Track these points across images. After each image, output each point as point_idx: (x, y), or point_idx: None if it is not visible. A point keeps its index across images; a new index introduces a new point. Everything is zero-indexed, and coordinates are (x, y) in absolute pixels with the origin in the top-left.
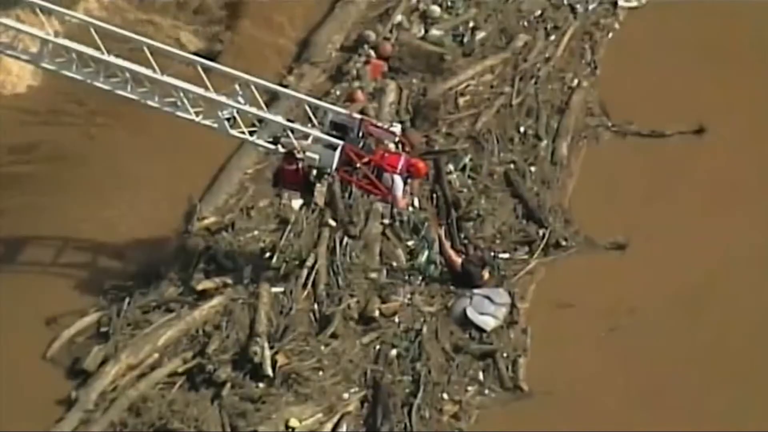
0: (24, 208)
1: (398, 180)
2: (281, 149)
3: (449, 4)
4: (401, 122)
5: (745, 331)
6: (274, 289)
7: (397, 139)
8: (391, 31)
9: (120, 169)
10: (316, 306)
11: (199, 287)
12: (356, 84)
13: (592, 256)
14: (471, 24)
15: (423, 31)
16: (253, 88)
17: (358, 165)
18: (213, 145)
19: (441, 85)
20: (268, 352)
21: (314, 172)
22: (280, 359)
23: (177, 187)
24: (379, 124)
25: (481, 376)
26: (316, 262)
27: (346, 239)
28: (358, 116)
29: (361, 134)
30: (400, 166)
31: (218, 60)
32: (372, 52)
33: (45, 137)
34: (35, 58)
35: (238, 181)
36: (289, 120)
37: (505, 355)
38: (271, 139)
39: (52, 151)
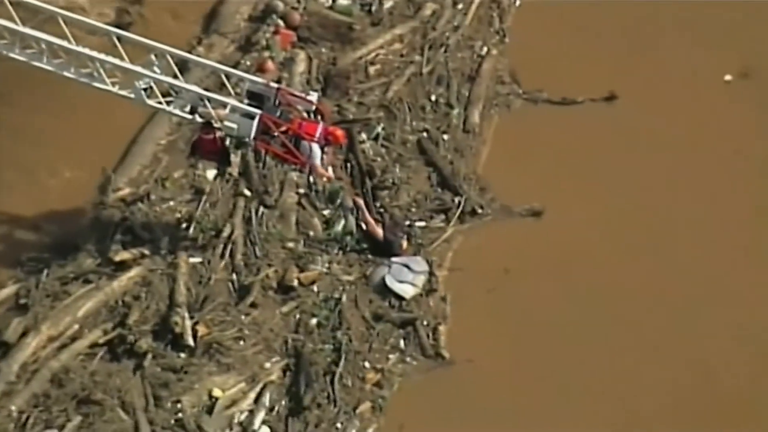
0: None
1: (316, 148)
2: (198, 119)
3: None
4: (314, 91)
5: (662, 288)
6: (192, 260)
7: (314, 107)
8: (298, 1)
9: (30, 141)
10: (234, 276)
11: (117, 258)
12: (266, 54)
13: (509, 222)
14: None
15: (330, 1)
16: (168, 57)
17: (275, 134)
18: (124, 116)
19: (351, 55)
20: (188, 323)
21: (232, 141)
22: (201, 329)
23: (89, 158)
24: (297, 93)
25: (402, 344)
26: (232, 232)
27: (261, 209)
28: (275, 85)
29: (277, 103)
30: (318, 135)
31: (127, 32)
32: (281, 22)
33: None
34: None
35: (151, 152)
36: (204, 89)
37: (425, 323)
38: (188, 109)
39: None
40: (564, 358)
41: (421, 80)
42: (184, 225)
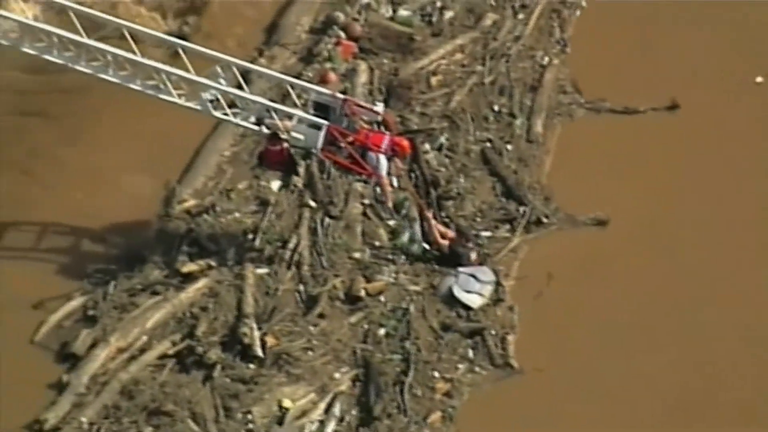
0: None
1: (383, 159)
2: (265, 130)
3: None
4: (380, 102)
5: (731, 304)
6: (259, 271)
7: (380, 118)
8: (359, 12)
9: (93, 153)
10: (301, 286)
11: (184, 269)
12: (328, 65)
13: (574, 232)
14: (438, 4)
15: (391, 12)
16: (234, 69)
17: (342, 144)
18: (187, 128)
19: (412, 65)
20: (257, 333)
21: (298, 151)
22: (270, 340)
23: (153, 170)
24: (363, 103)
25: (470, 354)
26: (298, 242)
27: (327, 220)
28: (341, 96)
29: (343, 114)
30: (384, 145)
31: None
32: (342, 33)
33: (17, 124)
34: (16, 42)
35: (215, 163)
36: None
37: (493, 332)
38: (253, 120)
39: (25, 138)
40: (634, 366)
41: (484, 90)
42: (250, 236)
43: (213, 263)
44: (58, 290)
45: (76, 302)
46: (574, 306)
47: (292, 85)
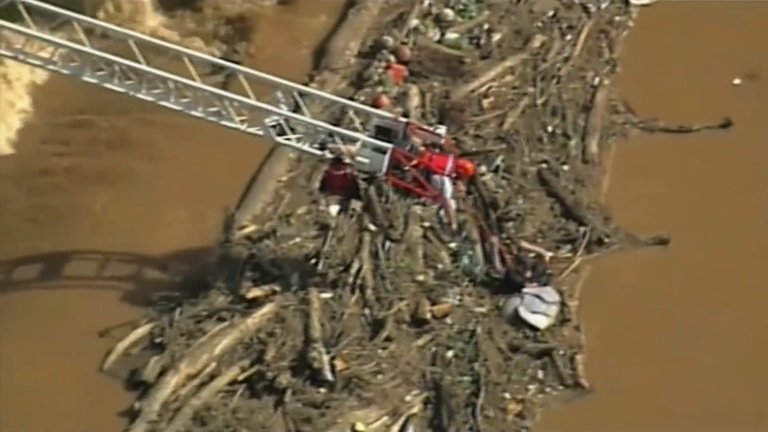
0: (64, 224)
1: (447, 182)
2: (328, 155)
3: (461, 7)
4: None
5: None
6: (323, 295)
7: (443, 141)
8: (407, 36)
9: (149, 182)
10: (366, 310)
11: (249, 295)
12: (379, 89)
13: (635, 251)
14: (486, 26)
15: (439, 35)
16: (295, 94)
17: (406, 168)
18: (241, 154)
19: (463, 88)
20: (326, 358)
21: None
22: (339, 364)
23: (210, 197)
24: (425, 127)
25: (540, 374)
26: (361, 266)
27: (387, 243)
28: (403, 119)
29: (405, 137)
30: (448, 168)
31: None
32: (392, 57)
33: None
34: (77, 71)
35: (272, 189)
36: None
37: (561, 352)
38: (317, 145)
39: (81, 166)
40: (703, 382)
41: (536, 112)
42: (312, 261)
43: (277, 288)
44: (124, 318)
45: (142, 330)
46: (639, 324)
47: (355, 110)
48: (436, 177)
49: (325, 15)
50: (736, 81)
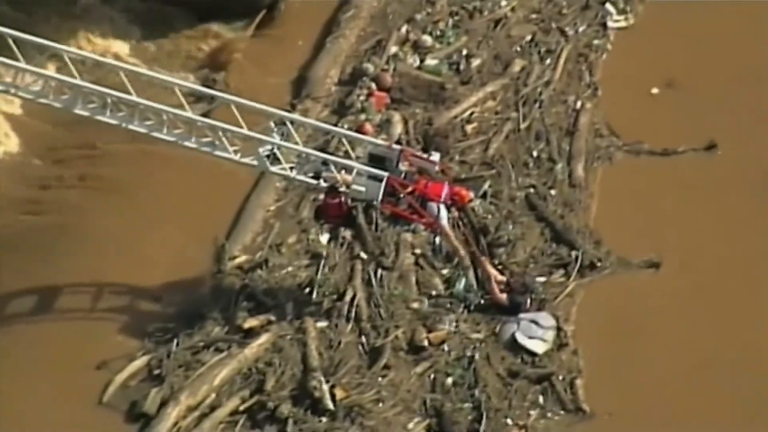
0: (49, 257)
1: (443, 209)
2: (323, 183)
3: (439, 33)
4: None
5: None
6: (319, 324)
7: (437, 167)
8: (387, 63)
9: (138, 216)
10: (363, 338)
11: (246, 325)
12: (363, 117)
13: (628, 275)
14: (464, 52)
15: (418, 61)
16: (288, 124)
17: (402, 195)
18: (227, 184)
19: (446, 114)
20: (326, 387)
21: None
22: (339, 393)
23: (198, 228)
24: (420, 154)
25: (541, 399)
26: (355, 295)
27: (380, 271)
28: (398, 147)
29: (400, 164)
30: (444, 195)
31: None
32: (373, 85)
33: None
34: (68, 104)
35: (261, 218)
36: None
37: (561, 377)
38: (312, 174)
39: (59, 204)
40: (702, 402)
41: (520, 136)
42: (306, 290)
43: (272, 318)
44: (120, 350)
45: (139, 362)
46: (636, 347)
47: (349, 138)
48: (432, 204)
49: (302, 44)
50: (654, 90)
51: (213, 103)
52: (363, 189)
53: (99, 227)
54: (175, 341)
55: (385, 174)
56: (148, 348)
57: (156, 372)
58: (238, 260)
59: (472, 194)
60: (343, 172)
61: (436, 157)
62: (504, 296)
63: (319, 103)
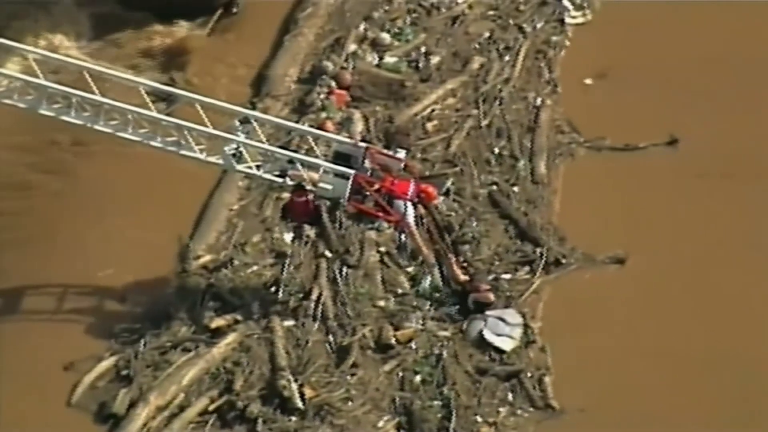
0: (13, 258)
1: (410, 206)
2: (289, 182)
3: (397, 30)
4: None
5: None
6: (286, 323)
7: (403, 164)
8: (346, 61)
9: (101, 213)
10: (330, 337)
11: (213, 325)
12: (323, 115)
13: (593, 270)
14: (423, 49)
15: (377, 59)
16: (253, 122)
17: (368, 193)
18: (189, 183)
19: (406, 111)
20: (294, 386)
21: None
22: (308, 391)
23: (161, 227)
24: (385, 151)
25: (510, 396)
26: (320, 293)
27: (345, 269)
28: (363, 144)
29: (365, 162)
30: (411, 192)
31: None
32: (333, 83)
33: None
34: (33, 104)
35: (225, 217)
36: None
37: (529, 374)
38: (278, 172)
39: (28, 197)
40: (671, 396)
41: (481, 133)
42: (271, 289)
43: (239, 317)
44: (87, 351)
45: (107, 362)
46: (603, 343)
47: (314, 136)
48: (399, 202)
49: (258, 43)
50: (587, 81)
51: (173, 103)
52: (330, 187)
53: (61, 228)
54: (143, 341)
55: (352, 172)
56: (115, 349)
57: (124, 372)
58: (202, 260)
59: (437, 191)
60: (308, 170)
61: (402, 154)
62: (466, 278)
63: (279, 102)
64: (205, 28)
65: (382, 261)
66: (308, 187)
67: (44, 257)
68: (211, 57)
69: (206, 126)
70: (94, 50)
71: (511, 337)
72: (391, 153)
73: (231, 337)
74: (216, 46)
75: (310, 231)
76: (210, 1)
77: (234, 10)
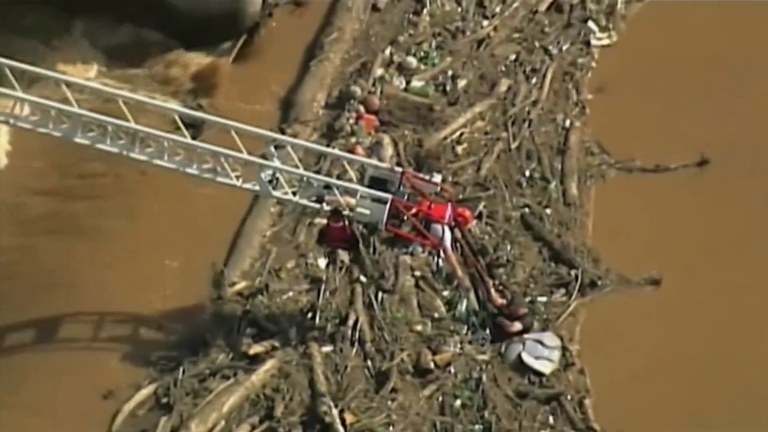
0: (48, 286)
1: (447, 230)
2: (326, 207)
3: (423, 54)
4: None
5: None
6: (324, 349)
7: (439, 188)
8: (374, 85)
9: (135, 244)
10: (368, 362)
11: (251, 352)
12: (353, 140)
13: (629, 292)
14: (450, 72)
15: (404, 83)
16: (289, 148)
17: (406, 217)
18: (220, 210)
19: (435, 135)
20: (335, 411)
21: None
22: (349, 417)
23: (196, 254)
24: (421, 175)
25: (551, 420)
26: (357, 319)
27: (381, 294)
28: (399, 169)
29: (402, 186)
30: (447, 216)
31: (203, 127)
32: (361, 108)
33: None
34: (68, 133)
35: (258, 244)
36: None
37: (569, 397)
38: (314, 199)
39: (62, 227)
40: (710, 418)
41: (511, 156)
42: (309, 315)
43: (276, 344)
44: (126, 380)
45: (146, 390)
46: (641, 365)
47: (350, 161)
48: (437, 226)
49: (284, 68)
50: (589, 96)
51: (200, 130)
52: (367, 212)
53: (95, 256)
54: (181, 369)
55: (389, 196)
56: (153, 376)
57: (164, 400)
58: (237, 286)
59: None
60: (344, 195)
61: (437, 178)
62: (503, 302)
63: (308, 127)
64: (230, 54)
65: (417, 285)
66: (345, 212)
67: (78, 286)
68: (237, 83)
69: (241, 152)
70: (114, 78)
71: (550, 360)
72: (426, 177)
73: (269, 364)
74: (241, 72)
75: (344, 256)
76: (234, 27)
77: (257, 35)
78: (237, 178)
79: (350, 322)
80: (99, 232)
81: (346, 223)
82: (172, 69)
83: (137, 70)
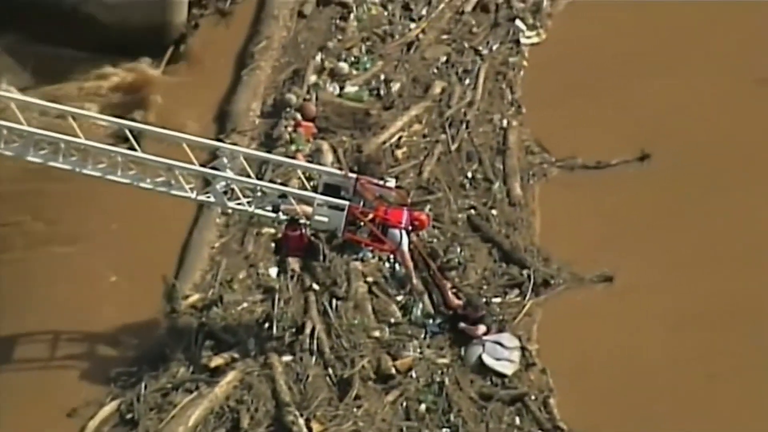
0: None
1: (404, 235)
2: (282, 216)
3: (353, 59)
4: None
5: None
6: (284, 358)
7: (393, 193)
8: (308, 92)
9: (82, 254)
10: (329, 370)
11: (212, 364)
12: (293, 148)
13: (582, 290)
14: (382, 77)
15: (338, 89)
16: (242, 158)
17: (362, 223)
18: (165, 221)
19: (374, 140)
20: (301, 421)
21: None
22: (316, 426)
23: (145, 268)
24: (375, 181)
25: (517, 421)
26: (314, 327)
27: (335, 301)
28: (353, 175)
29: (356, 192)
30: (404, 221)
31: (141, 139)
32: (298, 115)
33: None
34: (20, 152)
35: (207, 255)
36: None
37: (533, 397)
38: (270, 207)
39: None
40: (670, 411)
41: (452, 158)
42: (265, 325)
43: (236, 355)
44: (87, 396)
45: (109, 407)
46: (601, 362)
47: (303, 169)
48: (395, 231)
49: (215, 78)
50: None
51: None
52: (326, 219)
53: (42, 273)
54: (143, 384)
55: (347, 203)
56: (115, 393)
57: (128, 416)
58: (191, 299)
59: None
60: (300, 203)
61: (392, 183)
62: (460, 303)
63: (246, 137)
64: (159, 67)
65: (370, 291)
66: (302, 221)
67: (27, 305)
68: (169, 94)
69: (193, 164)
70: (39, 95)
71: (511, 361)
72: (381, 182)
73: (231, 376)
74: (172, 83)
75: (294, 264)
76: (161, 38)
77: (184, 46)
78: (191, 190)
79: (307, 331)
80: (44, 249)
81: (303, 231)
82: (100, 83)
83: (64, 86)
